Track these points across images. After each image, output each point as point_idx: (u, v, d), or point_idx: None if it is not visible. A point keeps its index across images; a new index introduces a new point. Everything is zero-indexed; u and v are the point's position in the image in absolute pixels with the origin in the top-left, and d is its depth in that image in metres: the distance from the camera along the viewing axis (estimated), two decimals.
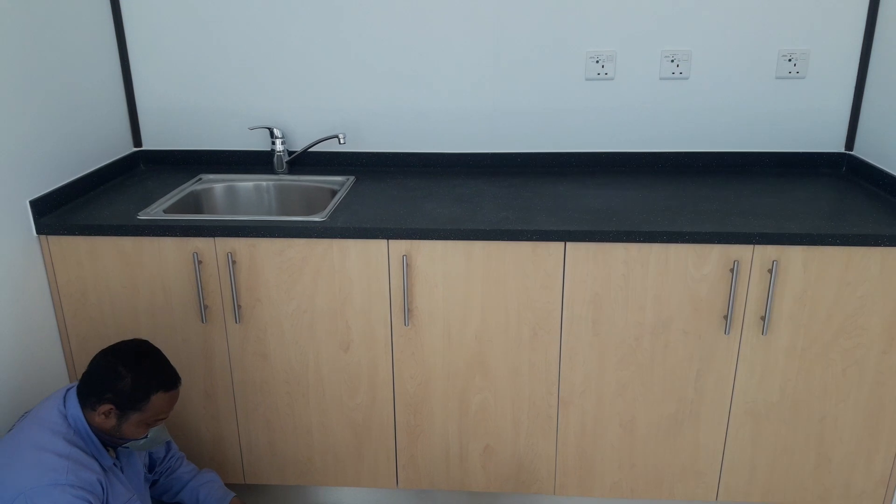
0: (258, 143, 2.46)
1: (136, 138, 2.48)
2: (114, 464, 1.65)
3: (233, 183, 2.34)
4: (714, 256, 1.84)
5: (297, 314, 1.98)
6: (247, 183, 2.34)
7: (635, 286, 1.89)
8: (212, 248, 1.93)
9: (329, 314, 1.97)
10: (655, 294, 1.89)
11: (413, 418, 2.07)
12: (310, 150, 2.42)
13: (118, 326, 2.02)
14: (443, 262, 1.91)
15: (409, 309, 1.95)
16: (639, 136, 2.38)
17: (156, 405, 1.59)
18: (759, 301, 1.87)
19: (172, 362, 1.67)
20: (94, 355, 1.63)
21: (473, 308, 1.94)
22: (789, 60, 2.27)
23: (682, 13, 2.24)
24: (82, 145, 2.18)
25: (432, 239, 1.88)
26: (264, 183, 2.34)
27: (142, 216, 1.97)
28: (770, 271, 1.83)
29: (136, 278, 1.97)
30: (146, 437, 1.63)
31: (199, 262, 1.94)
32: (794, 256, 1.83)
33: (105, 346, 1.65)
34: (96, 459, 1.60)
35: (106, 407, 1.56)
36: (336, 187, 2.26)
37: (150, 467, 1.88)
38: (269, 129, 2.39)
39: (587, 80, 2.33)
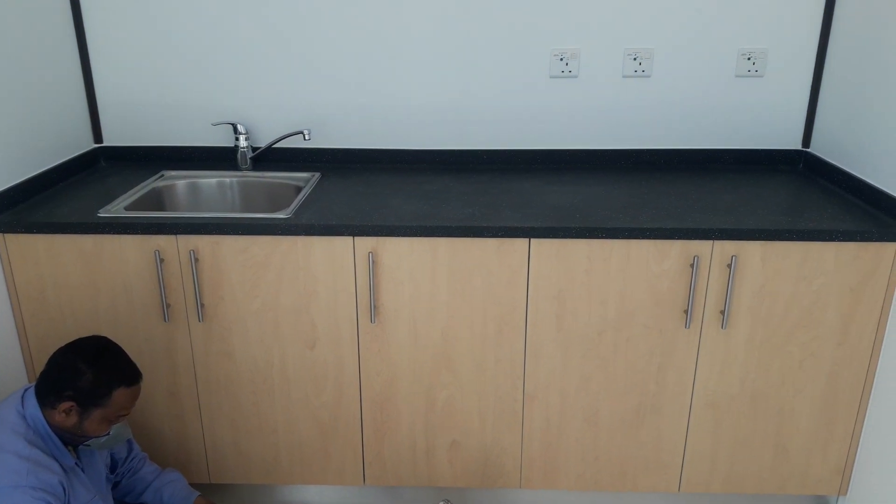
0: (222, 139, 2.43)
1: (97, 134, 2.43)
2: (75, 463, 1.63)
3: (195, 180, 2.31)
4: (674, 252, 1.87)
5: (261, 312, 1.96)
6: (210, 179, 2.32)
7: (598, 282, 1.91)
8: (174, 246, 1.91)
9: (294, 312, 1.96)
10: (618, 289, 1.92)
11: (379, 415, 2.07)
12: (274, 146, 2.40)
13: (78, 326, 1.99)
14: (409, 259, 1.91)
15: (375, 306, 1.95)
16: (602, 133, 2.40)
17: (118, 401, 1.58)
18: (719, 295, 1.91)
19: (135, 362, 1.65)
20: (50, 356, 1.60)
21: (439, 304, 1.95)
22: (748, 59, 2.31)
23: (645, 12, 2.27)
24: (40, 141, 2.14)
25: (398, 236, 1.88)
26: (228, 179, 2.32)
27: (102, 214, 1.94)
28: (729, 266, 1.87)
29: (97, 277, 1.94)
30: (108, 434, 1.62)
31: (161, 261, 1.92)
32: (753, 251, 1.87)
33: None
34: (57, 460, 1.57)
35: (66, 404, 1.53)
36: (301, 184, 2.24)
37: (112, 468, 1.86)
38: (232, 124, 2.37)
39: (552, 77, 2.35)
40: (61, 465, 1.57)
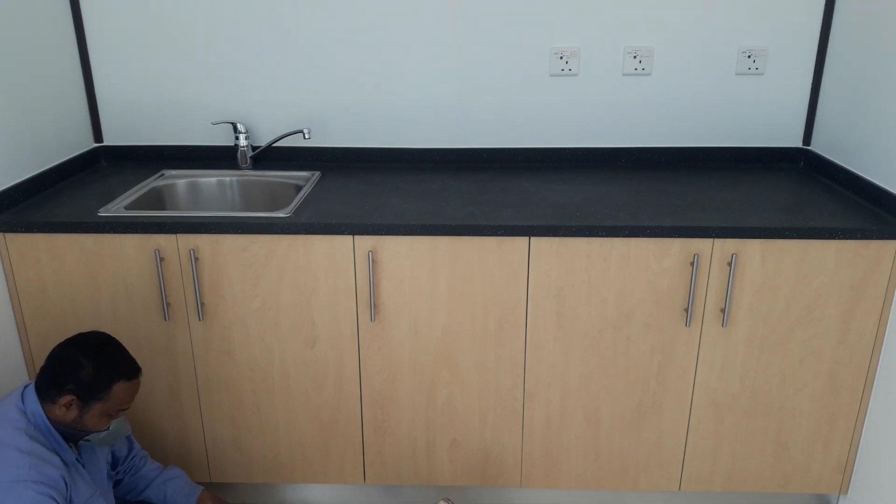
0: (222, 138, 2.43)
1: (97, 134, 2.43)
2: (76, 459, 1.63)
3: (196, 179, 2.31)
4: (675, 250, 1.87)
5: (261, 311, 1.96)
6: (210, 179, 2.32)
7: (598, 280, 1.91)
8: (174, 245, 1.91)
9: (294, 310, 1.96)
10: (618, 287, 1.91)
11: (380, 413, 2.07)
12: (274, 145, 2.40)
13: (79, 325, 1.99)
14: (409, 258, 1.91)
15: (375, 304, 1.95)
16: (602, 131, 2.40)
17: (118, 395, 1.58)
18: (719, 294, 1.91)
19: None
20: (50, 351, 1.61)
21: (439, 303, 1.95)
22: (749, 57, 2.31)
23: (645, 10, 2.27)
24: (41, 141, 2.14)
25: (398, 234, 1.88)
26: (228, 178, 2.32)
27: (102, 213, 1.94)
28: (729, 264, 1.87)
29: (97, 276, 1.94)
30: (108, 429, 1.62)
31: (162, 260, 1.92)
32: (753, 250, 1.86)
33: None
34: (58, 455, 1.58)
35: (67, 398, 1.54)
36: (301, 182, 2.25)
37: (113, 465, 1.86)
38: (232, 123, 2.37)
39: (551, 75, 2.35)
40: (62, 460, 1.58)
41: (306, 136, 2.31)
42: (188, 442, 2.12)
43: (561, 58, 2.33)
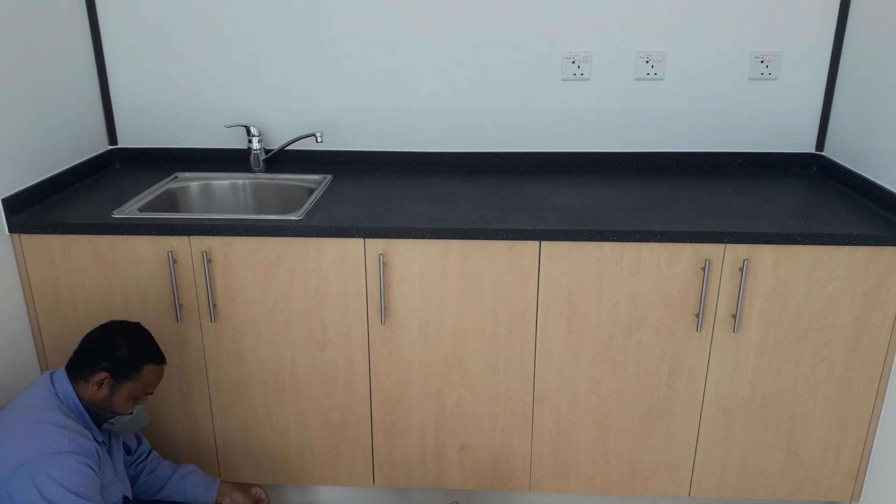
0: (235, 141, 2.45)
1: (112, 136, 2.46)
2: (102, 441, 1.68)
3: (209, 181, 2.33)
4: (686, 255, 1.87)
5: (272, 313, 1.97)
6: (223, 181, 2.34)
7: (609, 284, 1.91)
8: (187, 247, 1.92)
9: (305, 313, 1.97)
10: (629, 292, 1.91)
11: (390, 417, 2.08)
12: (287, 148, 2.42)
13: (92, 325, 1.96)
14: (419, 261, 1.91)
15: (385, 308, 1.96)
16: (614, 136, 2.40)
17: (147, 377, 1.67)
18: (731, 299, 1.90)
19: None
20: (84, 336, 1.69)
21: (450, 306, 1.95)
22: (761, 62, 2.30)
23: (658, 14, 2.27)
24: (56, 143, 2.16)
25: (409, 238, 1.89)
26: (240, 181, 2.34)
27: (116, 214, 1.96)
28: (741, 270, 1.86)
29: (111, 277, 1.96)
30: (131, 413, 1.70)
31: (174, 261, 1.93)
32: (765, 255, 1.86)
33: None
34: (90, 432, 1.64)
35: (101, 376, 1.62)
36: (313, 186, 2.26)
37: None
38: (245, 127, 2.38)
39: (563, 80, 2.35)
40: (93, 438, 1.64)
41: (319, 140, 2.32)
42: (199, 443, 2.14)
43: (573, 62, 2.33)
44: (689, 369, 1.98)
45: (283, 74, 2.37)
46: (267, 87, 2.39)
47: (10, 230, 1.92)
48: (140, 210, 2.04)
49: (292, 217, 1.93)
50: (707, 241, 1.84)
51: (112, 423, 1.70)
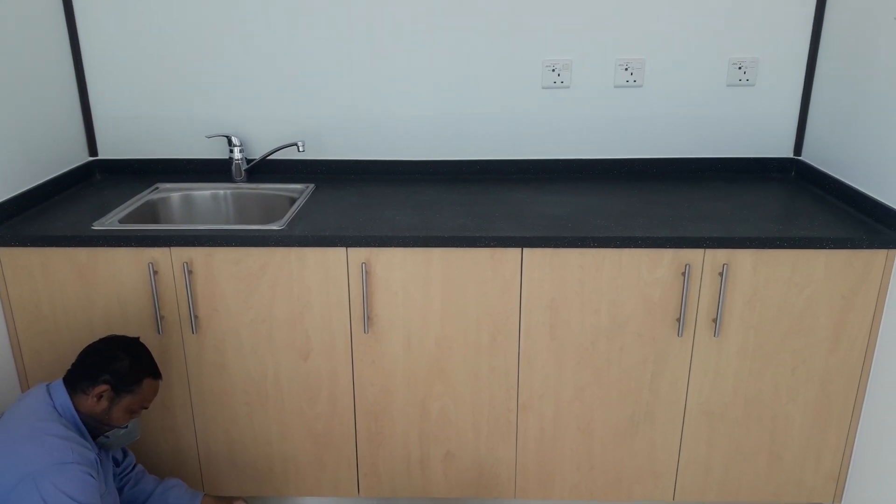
0: (216, 151, 2.44)
1: (92, 147, 2.44)
2: (97, 454, 1.69)
3: (190, 192, 2.32)
4: (666, 260, 1.88)
5: (255, 323, 1.97)
6: (204, 192, 2.33)
7: (591, 291, 1.92)
8: (168, 258, 1.92)
9: (288, 323, 1.97)
10: (610, 298, 1.92)
11: (374, 426, 2.07)
12: (269, 158, 2.41)
13: (73, 339, 1.99)
14: (402, 270, 1.92)
15: (368, 317, 1.96)
16: (594, 143, 2.42)
17: (145, 390, 1.71)
18: (711, 303, 1.91)
19: None
20: (84, 348, 1.72)
21: (433, 315, 1.96)
22: (739, 68, 2.33)
23: (636, 23, 2.29)
24: (35, 155, 2.15)
25: (391, 246, 1.89)
26: (222, 192, 2.33)
27: (96, 226, 1.95)
28: (721, 274, 1.88)
29: (91, 290, 1.95)
30: (126, 427, 1.72)
31: (155, 273, 1.92)
32: (744, 260, 1.88)
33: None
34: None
35: (102, 388, 1.64)
36: (295, 195, 2.25)
37: None
38: (226, 137, 2.38)
39: (544, 88, 2.36)
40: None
41: (300, 149, 2.32)
42: (182, 456, 2.12)
43: (553, 70, 2.34)
44: (671, 374, 1.99)
45: (265, 84, 2.37)
46: (248, 97, 2.39)
47: None
48: (120, 222, 2.03)
49: (274, 227, 1.93)
50: (687, 247, 1.86)
51: (107, 437, 1.71)
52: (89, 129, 2.42)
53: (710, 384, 2.00)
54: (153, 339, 1.99)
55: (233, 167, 2.37)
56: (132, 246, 1.90)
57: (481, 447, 2.09)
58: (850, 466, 2.06)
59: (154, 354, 1.98)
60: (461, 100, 2.38)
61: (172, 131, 2.43)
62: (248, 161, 2.40)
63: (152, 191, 2.30)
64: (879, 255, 1.87)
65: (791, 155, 2.41)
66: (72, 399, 1.65)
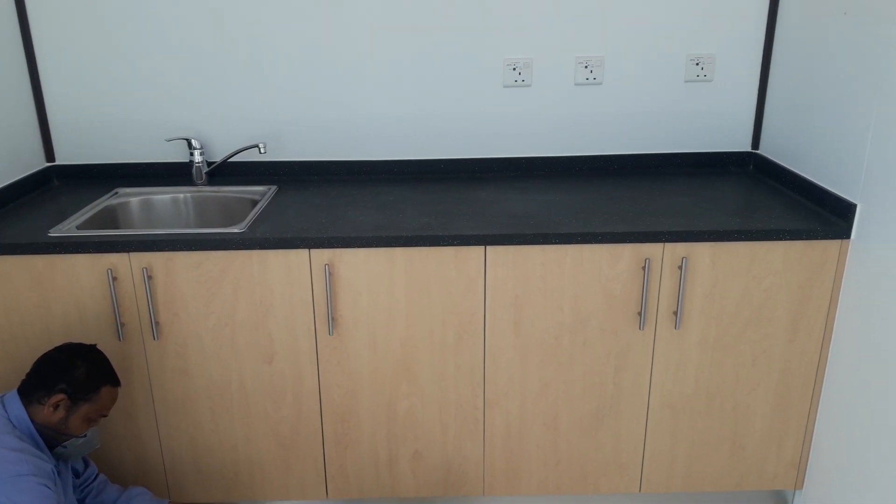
0: (177, 154, 2.41)
1: (49, 153, 2.40)
2: (54, 466, 1.66)
3: (149, 196, 2.29)
4: (626, 255, 1.90)
5: (217, 328, 1.95)
6: (164, 196, 2.30)
7: (553, 287, 1.93)
8: (127, 264, 1.89)
9: (251, 326, 1.95)
10: (573, 294, 1.94)
11: (340, 428, 2.07)
12: (230, 160, 2.39)
13: (31, 348, 1.95)
14: (366, 270, 1.91)
15: (332, 318, 1.95)
16: (556, 140, 2.43)
17: (103, 398, 1.69)
18: (671, 297, 1.94)
19: None
20: (38, 357, 1.70)
21: (398, 314, 1.95)
22: (697, 64, 2.36)
23: (595, 21, 2.31)
24: None
25: (354, 247, 1.88)
26: (182, 195, 2.30)
27: (53, 233, 1.92)
28: (680, 268, 1.91)
29: (49, 298, 1.91)
30: (84, 436, 1.69)
31: (114, 279, 1.90)
32: (703, 253, 1.90)
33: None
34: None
35: (58, 397, 1.62)
36: (257, 197, 2.24)
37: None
38: (187, 140, 2.35)
39: (505, 87, 2.38)
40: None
41: (262, 151, 2.31)
42: (146, 464, 2.09)
43: (514, 69, 2.35)
44: (634, 367, 2.01)
45: (225, 86, 2.35)
46: (209, 99, 2.36)
47: None
48: (78, 228, 1.99)
49: (235, 230, 1.91)
50: (646, 241, 1.88)
51: (65, 447, 1.69)
52: (45, 134, 2.38)
53: (672, 376, 2.02)
54: (114, 347, 1.96)
55: (193, 170, 2.34)
56: (90, 252, 1.87)
57: (449, 446, 2.10)
58: (811, 453, 2.10)
59: (115, 362, 1.97)
60: (424, 99, 2.39)
61: (132, 135, 2.40)
62: (210, 164, 2.38)
63: (111, 196, 2.27)
64: (834, 245, 1.91)
65: (749, 149, 2.45)
66: (27, 410, 1.62)
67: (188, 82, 2.34)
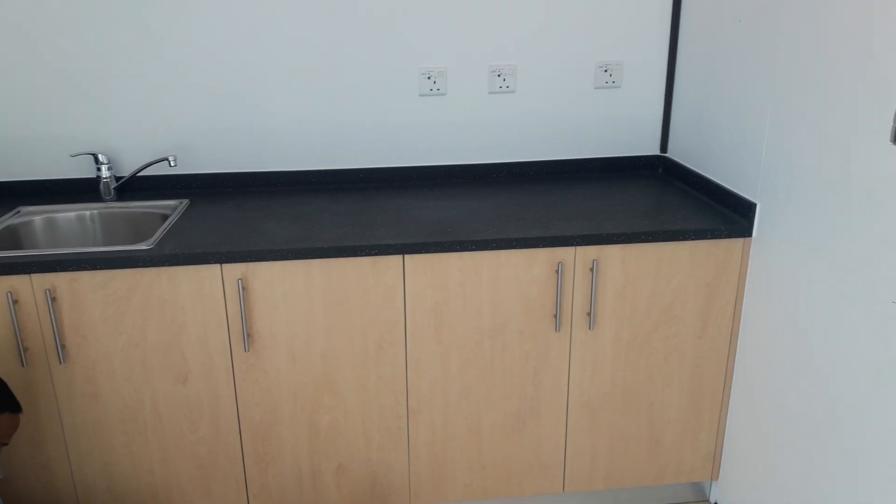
0: (83, 170, 2.33)
1: None
2: None
3: (53, 214, 2.20)
4: (541, 260, 1.94)
5: (127, 349, 1.89)
6: (69, 213, 2.21)
7: (471, 293, 1.95)
8: (28, 286, 1.81)
9: (162, 347, 1.90)
10: (490, 299, 1.96)
11: (261, 446, 2.03)
12: (140, 174, 2.32)
13: None
14: (281, 284, 1.89)
15: (248, 334, 1.91)
16: (471, 148, 2.46)
17: (3, 426, 1.60)
18: (584, 298, 1.98)
19: None
20: None
21: (317, 327, 1.93)
22: (605, 71, 2.43)
23: (507, 30, 2.35)
24: None
25: (269, 260, 1.85)
26: (88, 212, 2.22)
27: None
28: (592, 270, 1.95)
29: None
30: None
31: (15, 302, 1.81)
32: (613, 255, 1.96)
33: None
34: None
35: None
36: (167, 212, 2.18)
37: None
38: (93, 154, 2.27)
39: (421, 95, 2.39)
40: None
41: (172, 164, 2.25)
42: (57, 493, 2.00)
43: (429, 78, 2.37)
44: (553, 368, 2.05)
45: (132, 98, 2.28)
46: (115, 112, 2.29)
47: None
48: None
49: (142, 246, 1.85)
50: (559, 245, 1.92)
51: None
52: None
53: (589, 376, 2.07)
54: (17, 373, 1.87)
55: (101, 186, 2.26)
56: None
57: (373, 457, 2.08)
58: (725, 444, 2.18)
59: (18, 388, 1.88)
60: (340, 109, 2.37)
61: (35, 151, 2.30)
62: (118, 179, 2.31)
63: (13, 215, 2.17)
64: (737, 243, 1.99)
65: (658, 152, 2.54)
66: None
67: (93, 95, 2.26)
